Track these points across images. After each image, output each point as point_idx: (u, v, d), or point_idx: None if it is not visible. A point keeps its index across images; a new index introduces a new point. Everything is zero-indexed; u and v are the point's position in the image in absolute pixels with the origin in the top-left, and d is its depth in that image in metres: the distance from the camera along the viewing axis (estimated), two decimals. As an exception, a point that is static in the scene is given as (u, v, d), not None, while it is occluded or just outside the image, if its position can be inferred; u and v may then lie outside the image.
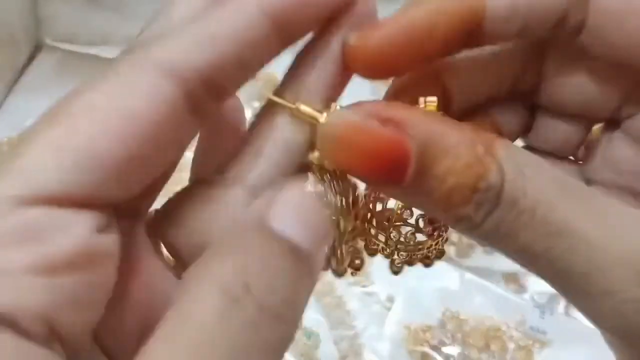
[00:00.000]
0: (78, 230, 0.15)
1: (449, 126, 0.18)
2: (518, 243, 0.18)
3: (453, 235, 0.61)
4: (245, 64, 0.18)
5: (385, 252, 0.24)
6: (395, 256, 0.24)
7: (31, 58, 0.76)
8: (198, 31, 0.17)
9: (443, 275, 0.59)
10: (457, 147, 0.18)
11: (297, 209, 0.17)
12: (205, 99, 0.17)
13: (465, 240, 0.61)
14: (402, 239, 0.23)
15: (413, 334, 0.56)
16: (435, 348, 0.55)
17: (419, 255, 0.24)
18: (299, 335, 0.55)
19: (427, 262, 0.24)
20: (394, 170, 0.18)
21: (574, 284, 0.19)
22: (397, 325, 0.56)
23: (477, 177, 0.18)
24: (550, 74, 0.23)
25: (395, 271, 0.24)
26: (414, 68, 0.21)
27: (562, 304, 0.58)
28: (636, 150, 0.23)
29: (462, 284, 0.59)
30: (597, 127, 0.25)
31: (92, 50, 0.73)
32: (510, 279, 0.60)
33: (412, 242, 0.24)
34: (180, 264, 0.19)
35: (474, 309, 0.57)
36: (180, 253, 0.19)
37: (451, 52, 0.21)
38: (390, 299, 0.58)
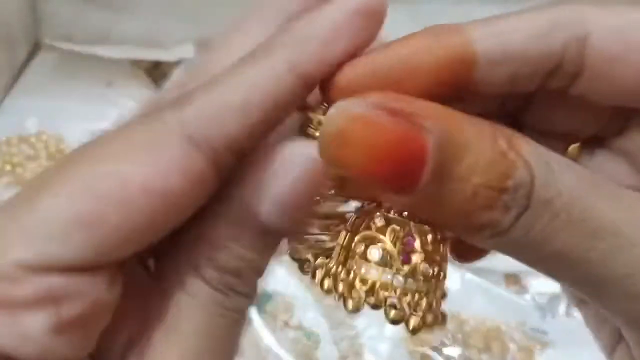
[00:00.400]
0: (89, 292, 0.16)
1: (467, 119, 0.16)
2: (552, 248, 0.16)
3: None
4: (272, 124, 0.18)
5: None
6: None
7: (30, 57, 0.75)
8: (228, 97, 0.17)
9: (443, 276, 0.59)
10: (479, 142, 0.16)
11: (281, 197, 0.17)
12: (230, 161, 0.17)
13: (466, 240, 0.61)
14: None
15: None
16: (436, 349, 0.55)
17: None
18: (299, 335, 0.55)
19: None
20: (407, 171, 0.15)
21: (614, 287, 0.17)
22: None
23: (503, 176, 0.16)
24: (541, 95, 0.21)
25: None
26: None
27: (563, 304, 0.58)
28: (622, 168, 0.22)
29: (463, 284, 0.58)
30: (573, 146, 0.24)
31: (91, 50, 0.73)
32: (511, 279, 0.60)
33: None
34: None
35: (474, 310, 0.57)
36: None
37: (438, 93, 0.18)
38: (391, 300, 0.58)
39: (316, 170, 0.17)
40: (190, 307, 0.18)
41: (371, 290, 0.18)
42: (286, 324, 0.55)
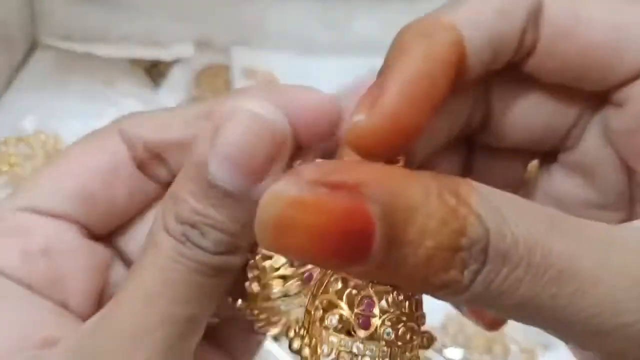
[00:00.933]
0: (53, 231, 0.22)
1: (409, 178, 0.16)
2: (516, 298, 0.16)
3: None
4: (184, 148, 0.22)
5: None
6: None
7: (27, 56, 0.75)
8: (152, 118, 0.24)
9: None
10: (426, 202, 0.15)
11: (230, 152, 0.18)
12: (148, 162, 0.23)
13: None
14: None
15: (414, 336, 0.56)
16: (437, 351, 0.55)
17: None
18: (298, 337, 0.55)
19: None
20: (356, 245, 0.14)
21: (583, 327, 0.17)
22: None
23: (456, 234, 0.15)
24: (498, 110, 0.22)
25: None
26: (423, 124, 0.19)
27: (565, 306, 0.58)
28: (577, 182, 0.22)
29: (464, 285, 0.58)
30: (532, 164, 0.24)
31: (89, 49, 0.73)
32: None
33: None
34: None
35: (476, 311, 0.57)
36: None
37: (446, 98, 0.19)
38: (392, 301, 0.57)
39: (262, 125, 0.19)
40: (151, 252, 0.20)
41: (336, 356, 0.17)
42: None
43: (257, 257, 0.21)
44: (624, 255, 0.17)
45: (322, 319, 0.17)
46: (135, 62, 0.76)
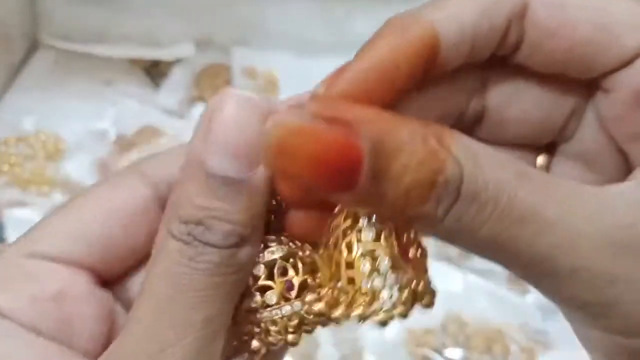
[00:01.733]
0: (64, 279, 0.21)
1: (399, 122, 0.18)
2: (481, 236, 0.18)
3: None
4: None
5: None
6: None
7: (27, 56, 0.75)
8: (175, 156, 0.22)
9: (445, 277, 0.59)
10: (411, 143, 0.17)
11: (224, 142, 0.19)
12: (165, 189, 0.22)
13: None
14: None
15: (414, 336, 0.56)
16: (437, 351, 0.55)
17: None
18: (298, 337, 0.55)
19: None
20: (346, 174, 0.17)
21: (542, 269, 0.18)
22: (398, 327, 0.56)
23: (434, 172, 0.17)
24: (494, 103, 0.23)
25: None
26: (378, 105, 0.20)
27: (565, 305, 0.58)
28: (578, 171, 0.23)
29: (464, 285, 0.58)
30: (539, 164, 0.24)
31: (89, 49, 0.73)
32: (513, 280, 0.60)
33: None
34: None
35: (476, 311, 0.57)
36: None
37: (411, 87, 0.20)
38: (392, 301, 0.57)
39: (251, 107, 0.19)
40: (158, 261, 0.20)
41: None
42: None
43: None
44: (589, 206, 0.18)
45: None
46: (135, 62, 0.76)
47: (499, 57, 0.21)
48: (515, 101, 0.23)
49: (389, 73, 0.19)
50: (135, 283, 0.23)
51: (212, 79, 0.75)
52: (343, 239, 0.20)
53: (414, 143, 0.17)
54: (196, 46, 0.76)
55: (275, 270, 0.21)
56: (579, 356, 0.59)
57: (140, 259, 0.23)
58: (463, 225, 0.18)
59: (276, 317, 0.21)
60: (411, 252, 0.21)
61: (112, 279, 0.23)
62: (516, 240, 0.18)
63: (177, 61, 0.76)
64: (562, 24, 0.20)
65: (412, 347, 0.55)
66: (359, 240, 0.20)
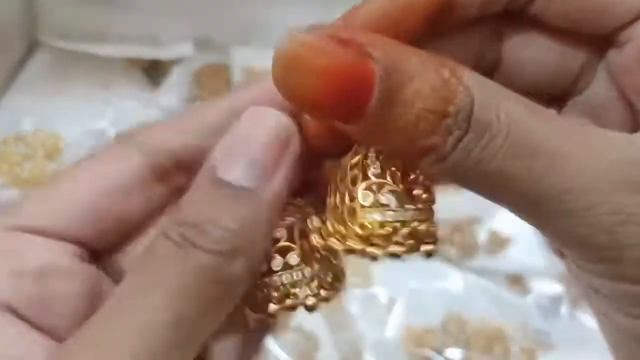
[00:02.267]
0: (47, 253, 0.21)
1: (414, 50, 0.17)
2: (489, 169, 0.17)
3: (455, 236, 0.60)
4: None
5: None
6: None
7: (26, 56, 0.75)
8: (172, 124, 0.23)
9: (445, 277, 0.59)
10: (423, 71, 0.17)
11: (237, 151, 0.19)
12: (172, 172, 0.22)
13: (467, 241, 0.61)
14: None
15: (414, 336, 0.56)
16: (438, 351, 0.55)
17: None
18: (298, 337, 0.55)
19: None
20: (356, 96, 0.16)
21: (552, 206, 0.18)
22: (398, 327, 0.56)
23: (445, 101, 0.17)
24: (509, 54, 0.23)
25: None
26: None
27: (565, 306, 0.58)
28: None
29: (465, 285, 0.58)
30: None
31: (88, 48, 0.73)
32: (513, 280, 0.60)
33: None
34: None
35: (476, 311, 0.57)
36: None
37: (426, 32, 0.20)
38: (392, 301, 0.58)
39: (271, 122, 0.19)
40: (143, 259, 0.19)
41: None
42: (286, 326, 0.55)
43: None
44: (603, 143, 0.18)
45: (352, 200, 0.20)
46: (134, 62, 0.76)
47: (514, 10, 0.21)
48: (530, 51, 0.22)
49: (403, 13, 0.19)
50: (127, 256, 0.22)
51: (211, 79, 0.75)
52: (348, 176, 0.20)
53: (426, 70, 0.17)
54: (195, 46, 0.76)
55: (295, 233, 0.21)
56: (579, 356, 0.60)
57: (134, 231, 0.22)
58: (472, 159, 0.17)
59: (297, 278, 0.20)
60: (416, 192, 0.20)
61: (103, 251, 0.22)
62: (528, 174, 0.17)
63: (177, 61, 0.76)
64: None
65: (412, 348, 0.55)
66: (364, 176, 0.20)
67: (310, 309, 0.21)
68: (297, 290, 0.20)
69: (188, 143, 0.22)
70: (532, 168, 0.17)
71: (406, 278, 0.58)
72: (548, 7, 0.21)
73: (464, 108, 0.17)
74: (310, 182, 0.23)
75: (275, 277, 0.20)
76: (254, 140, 0.19)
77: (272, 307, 0.21)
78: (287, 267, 0.20)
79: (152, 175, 0.22)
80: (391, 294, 0.58)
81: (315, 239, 0.21)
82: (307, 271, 0.20)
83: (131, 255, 0.22)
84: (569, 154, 0.17)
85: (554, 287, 0.59)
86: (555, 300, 0.58)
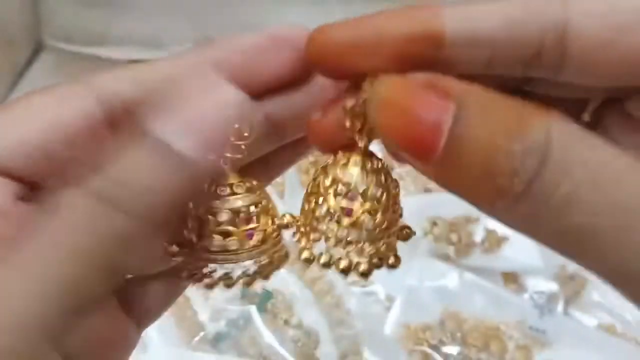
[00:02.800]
0: None
1: (492, 93, 0.17)
2: (571, 216, 0.16)
3: (452, 235, 0.61)
4: (166, 101, 0.21)
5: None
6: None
7: (31, 58, 0.76)
8: (129, 74, 0.22)
9: (442, 275, 0.59)
10: (498, 113, 0.17)
11: (195, 118, 0.18)
12: (124, 121, 0.21)
13: (464, 239, 0.61)
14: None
15: (412, 333, 0.56)
16: (435, 348, 0.55)
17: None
18: (299, 334, 0.55)
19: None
20: (430, 135, 0.17)
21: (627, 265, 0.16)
22: (396, 324, 0.56)
23: (515, 140, 0.16)
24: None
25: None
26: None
27: (561, 303, 0.58)
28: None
29: (462, 283, 0.59)
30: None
31: (93, 50, 0.73)
32: (510, 278, 0.60)
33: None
34: None
35: (473, 309, 0.58)
36: None
37: (411, 64, 0.19)
38: (390, 299, 0.58)
39: (230, 106, 0.19)
40: (60, 209, 0.18)
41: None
42: (286, 322, 0.56)
43: (201, 210, 0.21)
44: None
45: (314, 211, 0.21)
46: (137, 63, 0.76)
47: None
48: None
49: (381, 41, 0.19)
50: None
51: (213, 80, 0.76)
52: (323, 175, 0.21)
53: (501, 113, 0.17)
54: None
55: (239, 218, 0.21)
56: (575, 354, 0.60)
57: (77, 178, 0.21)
58: (549, 205, 0.16)
59: (233, 262, 0.21)
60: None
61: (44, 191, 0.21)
62: (615, 232, 0.15)
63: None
64: (618, 34, 0.18)
65: (410, 345, 0.55)
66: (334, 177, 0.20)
67: (246, 284, 0.21)
68: (229, 272, 0.21)
69: (142, 95, 0.21)
70: (619, 227, 0.15)
71: (404, 276, 0.58)
72: (580, 76, 0.19)
73: (538, 148, 0.16)
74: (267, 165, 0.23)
75: (211, 256, 0.21)
76: (205, 111, 0.19)
77: (207, 281, 0.21)
78: (224, 250, 0.21)
79: (104, 122, 0.21)
80: (389, 292, 0.58)
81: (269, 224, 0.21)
82: (243, 257, 0.21)
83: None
84: None
85: (550, 285, 0.59)
86: (551, 298, 0.58)
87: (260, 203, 0.21)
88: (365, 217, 0.20)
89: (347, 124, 0.20)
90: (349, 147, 0.21)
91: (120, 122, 0.21)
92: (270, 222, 0.22)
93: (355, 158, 0.21)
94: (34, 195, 0.21)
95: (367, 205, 0.20)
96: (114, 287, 0.20)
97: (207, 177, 0.20)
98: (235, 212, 0.21)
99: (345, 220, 0.20)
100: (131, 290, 0.23)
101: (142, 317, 0.24)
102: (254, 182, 0.22)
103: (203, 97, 0.19)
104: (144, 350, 0.54)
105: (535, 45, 0.18)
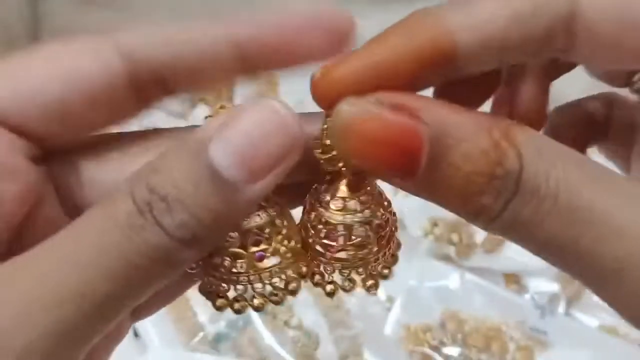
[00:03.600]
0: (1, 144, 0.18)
1: (464, 113, 0.18)
2: (541, 233, 0.17)
3: (453, 235, 0.61)
4: (196, 73, 0.20)
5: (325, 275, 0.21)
6: (333, 276, 0.21)
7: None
8: (159, 33, 0.20)
9: (443, 276, 0.59)
10: (473, 133, 0.17)
11: (237, 140, 0.17)
12: (149, 87, 0.20)
13: (465, 240, 0.61)
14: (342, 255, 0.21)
15: (413, 334, 0.56)
16: (435, 348, 0.55)
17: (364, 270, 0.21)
18: (299, 335, 0.55)
19: (373, 281, 0.21)
20: (407, 158, 0.17)
21: (605, 279, 0.17)
22: (396, 325, 0.56)
23: (493, 164, 0.17)
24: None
25: (331, 293, 0.21)
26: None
27: (562, 304, 0.58)
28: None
29: (462, 284, 0.59)
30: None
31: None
32: (511, 279, 0.60)
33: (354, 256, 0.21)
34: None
35: (474, 309, 0.57)
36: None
37: (424, 83, 0.19)
38: (390, 300, 0.58)
39: (277, 122, 0.18)
40: (99, 212, 0.17)
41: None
42: (286, 323, 0.56)
43: None
44: None
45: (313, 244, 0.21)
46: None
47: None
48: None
49: (387, 73, 0.19)
50: (81, 168, 0.20)
51: (212, 80, 0.76)
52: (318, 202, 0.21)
53: (477, 134, 0.17)
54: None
55: (249, 240, 0.20)
56: (576, 354, 0.60)
57: (92, 142, 0.20)
58: (521, 221, 0.17)
59: (242, 283, 0.20)
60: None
61: (55, 153, 0.20)
62: (578, 242, 0.17)
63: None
64: (628, 28, 0.18)
65: (411, 345, 0.55)
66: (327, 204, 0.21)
67: (257, 309, 0.21)
68: (241, 293, 0.21)
69: (174, 58, 0.20)
70: (581, 237, 0.17)
71: (405, 277, 0.58)
72: (585, 59, 0.20)
73: (512, 171, 0.17)
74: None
75: (232, 277, 0.20)
76: (258, 135, 0.18)
77: (220, 301, 0.21)
78: (233, 272, 0.20)
79: (128, 84, 0.19)
80: (390, 293, 0.58)
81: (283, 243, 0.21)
82: (255, 278, 0.20)
83: (77, 171, 0.20)
84: (621, 225, 0.17)
85: (551, 286, 0.59)
86: (553, 299, 0.58)
87: (273, 223, 0.20)
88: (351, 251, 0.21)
89: (322, 156, 0.20)
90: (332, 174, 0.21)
91: (145, 85, 0.20)
92: (284, 242, 0.21)
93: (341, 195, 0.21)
94: (44, 158, 0.20)
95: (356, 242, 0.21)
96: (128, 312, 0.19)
97: (251, 207, 0.19)
98: (244, 232, 0.20)
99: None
100: None
101: (139, 310, 0.23)
102: (269, 201, 0.21)
103: (257, 117, 0.18)
104: (143, 350, 0.54)
105: (545, 37, 0.19)
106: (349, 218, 0.21)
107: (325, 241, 0.21)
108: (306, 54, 0.20)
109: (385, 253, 0.21)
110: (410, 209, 0.60)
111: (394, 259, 0.22)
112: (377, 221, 0.21)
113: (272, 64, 0.21)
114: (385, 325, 0.56)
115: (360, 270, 0.21)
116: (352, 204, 0.21)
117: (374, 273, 0.21)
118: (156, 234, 0.17)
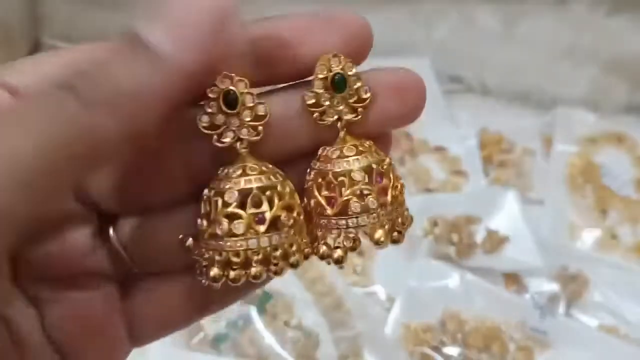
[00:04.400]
0: None
1: None
2: None
3: (453, 235, 0.61)
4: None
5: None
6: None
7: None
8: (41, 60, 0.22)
9: (443, 276, 0.59)
10: None
11: (168, 14, 0.17)
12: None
13: (465, 240, 0.61)
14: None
15: (413, 334, 0.56)
16: (435, 348, 0.55)
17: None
18: (299, 335, 0.55)
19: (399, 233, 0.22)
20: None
21: None
22: (397, 325, 0.56)
23: None
24: None
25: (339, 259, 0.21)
26: None
27: (562, 304, 0.58)
28: None
29: (463, 284, 0.59)
30: None
31: (91, 49, 0.73)
32: (511, 279, 0.60)
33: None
34: None
35: (474, 310, 0.57)
36: None
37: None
38: (390, 300, 0.58)
39: (215, 7, 0.17)
40: (32, 97, 0.18)
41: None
42: (286, 323, 0.56)
43: (211, 192, 0.20)
44: None
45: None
46: None
47: None
48: None
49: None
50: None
51: (212, 80, 0.76)
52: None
53: None
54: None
55: (249, 200, 0.20)
56: (577, 355, 0.60)
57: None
58: None
59: (240, 248, 0.19)
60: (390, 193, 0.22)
61: None
62: None
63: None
64: None
65: (411, 345, 0.55)
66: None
67: (254, 277, 0.20)
68: (238, 259, 0.20)
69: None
70: None
71: (405, 277, 0.58)
72: None
73: None
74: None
75: (228, 242, 0.20)
76: (185, 5, 0.17)
77: (215, 271, 0.20)
78: (231, 234, 0.20)
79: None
80: (390, 293, 0.58)
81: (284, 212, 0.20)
82: (253, 243, 0.20)
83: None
84: None
85: (551, 286, 0.59)
86: (553, 299, 0.58)
87: (276, 188, 0.20)
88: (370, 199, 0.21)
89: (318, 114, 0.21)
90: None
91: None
92: (285, 212, 0.20)
93: (346, 153, 0.21)
94: None
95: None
96: (85, 202, 0.20)
97: (186, 78, 0.18)
98: (245, 193, 0.20)
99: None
100: (136, 286, 0.23)
101: (140, 336, 0.24)
102: (269, 166, 0.20)
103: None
104: (142, 350, 0.54)
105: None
106: (345, 164, 0.21)
107: (326, 193, 0.21)
108: (320, 52, 0.21)
109: (395, 205, 0.22)
110: (411, 209, 0.60)
111: (410, 218, 0.23)
112: (375, 166, 0.21)
113: (285, 61, 0.21)
114: (385, 326, 0.56)
115: (371, 220, 0.21)
116: (348, 150, 0.21)
117: (387, 226, 0.22)
118: (74, 105, 0.17)
